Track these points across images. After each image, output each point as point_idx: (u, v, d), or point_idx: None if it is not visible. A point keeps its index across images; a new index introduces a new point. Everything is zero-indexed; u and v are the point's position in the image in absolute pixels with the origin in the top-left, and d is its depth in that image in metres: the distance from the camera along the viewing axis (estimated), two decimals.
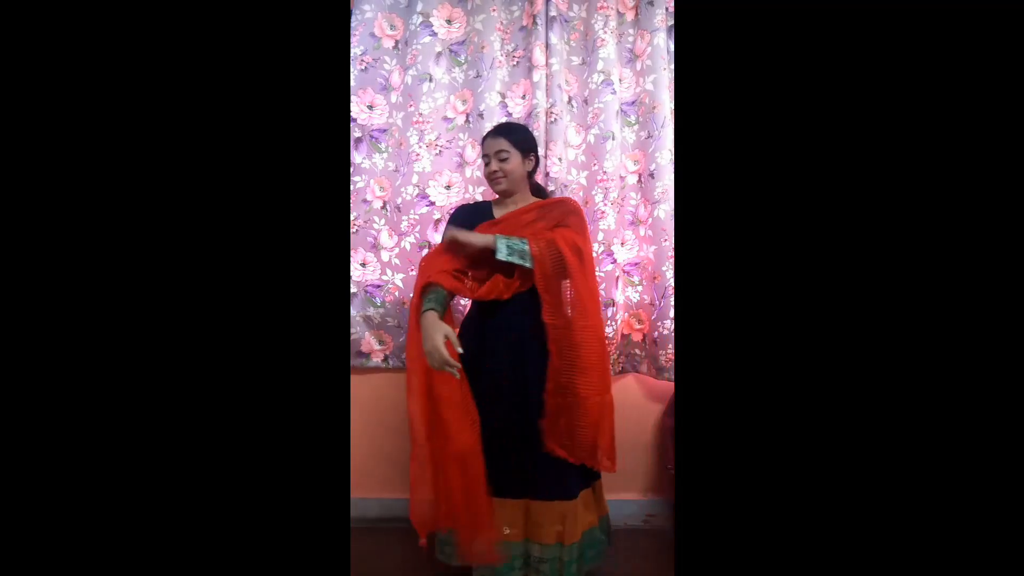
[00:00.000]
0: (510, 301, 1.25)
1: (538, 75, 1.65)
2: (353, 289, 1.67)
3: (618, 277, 1.67)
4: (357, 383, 1.67)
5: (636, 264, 1.72)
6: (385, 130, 1.69)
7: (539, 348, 1.24)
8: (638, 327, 1.72)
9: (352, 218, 1.66)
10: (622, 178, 1.70)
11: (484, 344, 1.26)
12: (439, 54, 1.69)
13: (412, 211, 1.67)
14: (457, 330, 1.31)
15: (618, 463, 1.67)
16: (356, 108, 1.67)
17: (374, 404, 1.71)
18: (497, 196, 1.37)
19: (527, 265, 1.20)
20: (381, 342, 1.70)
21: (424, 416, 1.22)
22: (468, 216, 1.34)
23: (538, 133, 1.63)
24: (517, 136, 1.32)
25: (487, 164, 1.32)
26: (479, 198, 1.65)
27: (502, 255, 1.20)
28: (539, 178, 1.63)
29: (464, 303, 1.65)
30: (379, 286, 1.68)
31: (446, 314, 1.26)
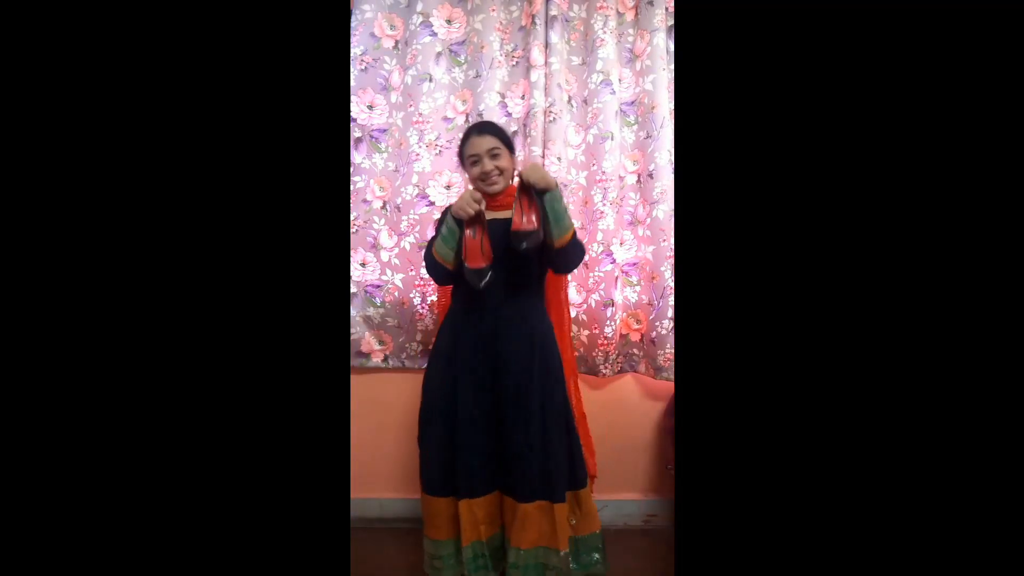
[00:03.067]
0: (487, 295, 1.24)
1: (537, 75, 1.65)
2: (353, 289, 1.67)
3: (617, 277, 1.67)
4: (357, 383, 1.67)
5: (635, 264, 1.72)
6: (385, 130, 1.69)
7: (513, 341, 1.25)
8: (636, 327, 1.72)
9: (352, 218, 1.66)
10: (621, 178, 1.70)
11: (458, 339, 1.28)
12: (439, 54, 1.69)
13: (412, 211, 1.67)
14: (435, 331, 1.36)
15: (618, 463, 1.68)
16: (356, 108, 1.67)
17: (374, 404, 1.70)
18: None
19: (556, 227, 1.18)
20: (381, 342, 1.70)
21: None
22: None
23: (537, 133, 1.64)
24: (503, 133, 1.30)
25: (477, 164, 1.26)
26: None
27: (551, 202, 1.16)
28: None
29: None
30: (379, 286, 1.68)
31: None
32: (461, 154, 1.32)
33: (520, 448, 1.23)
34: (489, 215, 1.25)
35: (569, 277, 1.48)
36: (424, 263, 1.32)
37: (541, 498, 1.23)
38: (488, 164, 1.25)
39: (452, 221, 1.21)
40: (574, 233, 1.21)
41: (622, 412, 1.73)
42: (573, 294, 1.65)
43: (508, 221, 1.22)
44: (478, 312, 1.28)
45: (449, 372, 1.28)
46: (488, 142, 1.26)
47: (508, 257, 1.24)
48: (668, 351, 1.64)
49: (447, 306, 1.40)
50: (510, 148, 1.31)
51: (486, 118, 1.66)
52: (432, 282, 1.66)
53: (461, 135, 1.34)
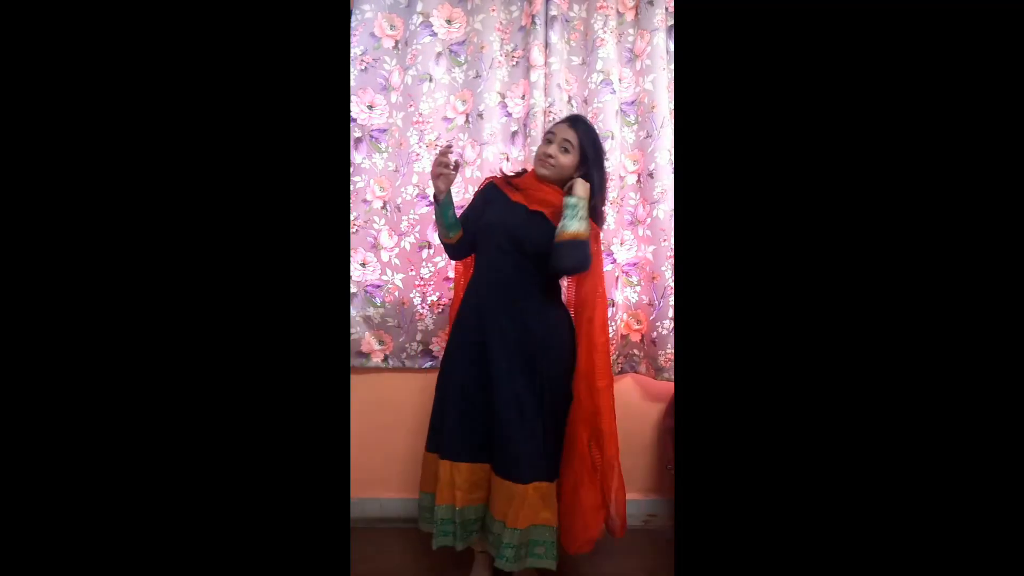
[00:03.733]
0: (501, 270, 1.28)
1: (537, 75, 1.65)
2: (353, 289, 1.67)
3: (617, 277, 1.67)
4: (357, 383, 1.67)
5: (635, 264, 1.72)
6: (385, 130, 1.69)
7: (514, 320, 1.26)
8: (637, 327, 1.72)
9: (352, 218, 1.66)
10: (621, 178, 1.70)
11: (465, 309, 1.32)
12: (439, 54, 1.69)
13: (412, 211, 1.67)
14: (435, 331, 1.40)
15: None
16: (356, 108, 1.67)
17: (374, 404, 1.70)
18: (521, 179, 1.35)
19: (564, 222, 1.21)
20: (381, 342, 1.70)
21: None
22: (493, 193, 1.36)
23: (537, 133, 1.64)
24: (588, 139, 1.29)
25: (549, 143, 1.29)
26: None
27: (568, 202, 1.21)
28: None
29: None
30: (379, 286, 1.68)
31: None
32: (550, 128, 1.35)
33: (515, 431, 1.23)
34: (514, 196, 1.31)
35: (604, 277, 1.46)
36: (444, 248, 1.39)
37: (540, 479, 1.24)
38: (553, 149, 1.28)
39: (435, 199, 1.30)
40: (576, 237, 1.21)
41: (622, 412, 1.71)
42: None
43: (526, 209, 1.28)
44: (485, 291, 1.30)
45: (454, 343, 1.32)
46: (567, 133, 1.28)
47: (522, 247, 1.27)
48: (669, 351, 1.64)
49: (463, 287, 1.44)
50: (585, 158, 1.29)
51: (486, 118, 1.66)
52: (432, 282, 1.67)
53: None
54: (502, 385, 1.24)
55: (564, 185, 1.28)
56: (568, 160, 1.28)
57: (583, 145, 1.28)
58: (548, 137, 1.30)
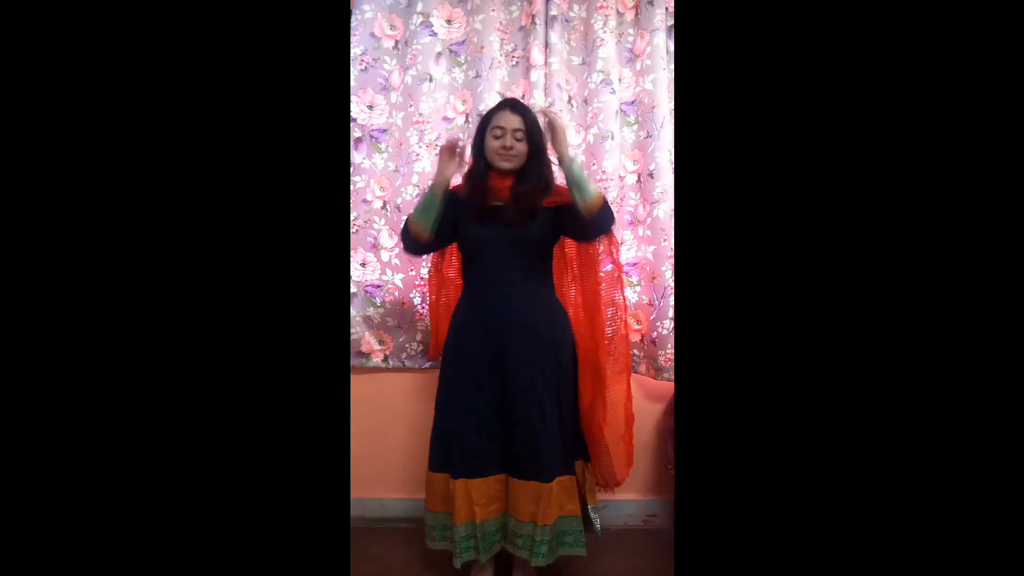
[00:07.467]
0: (500, 279, 1.28)
1: (537, 75, 1.65)
2: (353, 289, 1.67)
3: (617, 277, 1.67)
4: (357, 383, 1.67)
5: (635, 264, 1.72)
6: (385, 130, 1.69)
7: (523, 326, 1.26)
8: (637, 328, 1.72)
9: (352, 218, 1.66)
10: (621, 178, 1.70)
11: (468, 327, 1.30)
12: (439, 54, 1.69)
13: None
14: (448, 315, 1.38)
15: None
16: (356, 108, 1.67)
17: (374, 404, 1.70)
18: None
19: (583, 194, 1.21)
20: (381, 342, 1.70)
21: None
22: (465, 206, 1.32)
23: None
24: (531, 121, 1.29)
25: (500, 138, 1.27)
26: None
27: (573, 168, 1.21)
28: None
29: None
30: (379, 286, 1.68)
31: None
32: (484, 124, 1.32)
33: (539, 434, 1.24)
34: (496, 202, 1.29)
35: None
36: (401, 237, 1.35)
37: (562, 474, 1.27)
38: (509, 140, 1.27)
39: (434, 192, 1.27)
40: (601, 199, 1.23)
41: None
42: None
43: (509, 209, 1.27)
44: (487, 301, 1.29)
45: (458, 358, 1.30)
46: (516, 122, 1.27)
47: (516, 247, 1.27)
48: (669, 351, 1.64)
49: (451, 304, 1.42)
50: (531, 138, 1.29)
51: None
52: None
53: (493, 106, 1.35)
54: (523, 391, 1.25)
55: (519, 171, 1.29)
56: (524, 147, 1.28)
57: (530, 129, 1.28)
58: (497, 132, 1.28)
